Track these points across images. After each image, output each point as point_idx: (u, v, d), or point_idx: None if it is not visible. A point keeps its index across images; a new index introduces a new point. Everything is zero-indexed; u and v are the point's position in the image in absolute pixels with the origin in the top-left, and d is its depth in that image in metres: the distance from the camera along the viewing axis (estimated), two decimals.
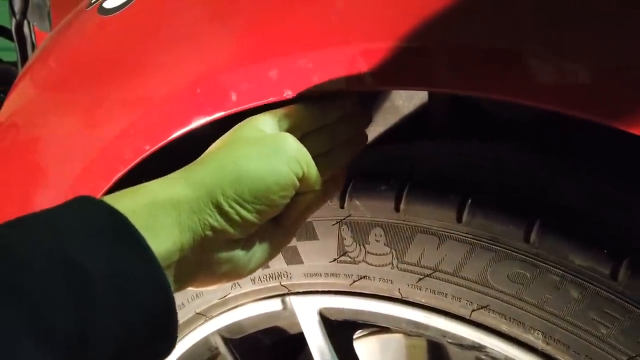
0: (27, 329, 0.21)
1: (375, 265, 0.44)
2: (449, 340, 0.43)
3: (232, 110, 0.39)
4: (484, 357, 0.42)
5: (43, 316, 0.22)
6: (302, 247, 0.47)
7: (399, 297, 0.44)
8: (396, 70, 0.32)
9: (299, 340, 0.53)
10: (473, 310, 0.40)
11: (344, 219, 0.44)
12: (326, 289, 0.48)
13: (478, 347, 0.42)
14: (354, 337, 0.57)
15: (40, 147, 0.55)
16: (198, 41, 0.41)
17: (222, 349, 0.58)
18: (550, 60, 0.28)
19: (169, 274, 0.28)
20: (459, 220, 0.39)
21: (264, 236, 0.34)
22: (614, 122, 0.27)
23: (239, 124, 0.35)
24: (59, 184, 0.52)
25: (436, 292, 0.41)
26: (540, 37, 0.28)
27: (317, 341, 0.49)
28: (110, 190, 0.47)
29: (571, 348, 0.36)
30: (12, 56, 1.17)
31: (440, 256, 0.40)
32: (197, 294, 0.55)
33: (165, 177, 0.31)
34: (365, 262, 0.44)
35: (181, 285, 0.30)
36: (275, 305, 0.51)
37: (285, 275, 0.49)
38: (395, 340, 0.63)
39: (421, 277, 0.42)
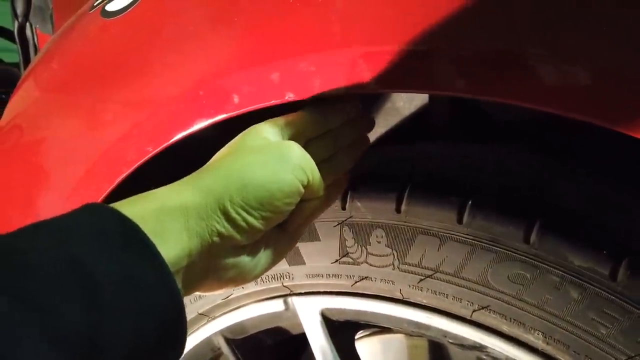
0: (40, 333, 0.21)
1: (377, 266, 0.44)
2: (450, 341, 0.44)
3: (234, 113, 0.39)
4: (484, 357, 0.43)
5: (54, 321, 0.22)
6: (304, 248, 0.47)
7: (401, 297, 0.44)
8: (398, 73, 0.33)
9: (301, 340, 0.54)
10: (474, 311, 0.40)
11: (345, 220, 0.44)
12: (328, 290, 0.48)
13: (479, 347, 0.42)
14: (356, 337, 0.58)
15: (44, 149, 0.55)
16: (201, 44, 0.41)
17: (225, 349, 0.58)
18: (550, 62, 0.28)
19: (178, 279, 0.29)
20: (460, 221, 0.39)
21: (269, 242, 0.35)
22: (613, 125, 0.27)
23: (244, 132, 0.36)
24: (62, 186, 0.52)
25: (437, 293, 0.42)
26: (541, 40, 0.28)
27: (319, 341, 0.50)
28: (113, 192, 0.47)
29: (571, 348, 0.36)
30: (14, 57, 1.17)
31: (441, 257, 0.40)
32: (199, 295, 0.56)
33: (173, 184, 0.32)
34: (367, 263, 0.44)
35: (189, 291, 0.31)
36: (277, 305, 0.52)
37: (288, 276, 0.49)
38: (396, 340, 0.63)
39: (422, 277, 0.42)
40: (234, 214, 0.30)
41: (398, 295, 0.44)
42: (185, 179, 0.32)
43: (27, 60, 0.95)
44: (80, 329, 0.22)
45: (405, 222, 0.41)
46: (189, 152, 0.42)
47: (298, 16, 0.37)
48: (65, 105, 0.54)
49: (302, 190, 0.33)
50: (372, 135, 0.61)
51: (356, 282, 0.46)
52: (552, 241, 0.36)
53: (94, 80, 0.51)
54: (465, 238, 0.39)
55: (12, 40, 1.08)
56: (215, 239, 0.30)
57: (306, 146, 0.35)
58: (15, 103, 0.62)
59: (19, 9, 0.87)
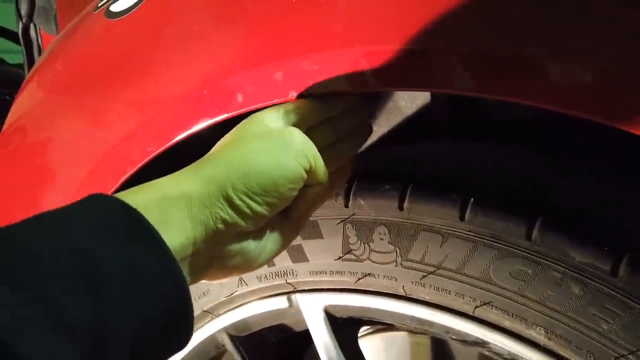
0: (44, 323, 0.21)
1: (380, 263, 0.44)
2: (453, 337, 0.44)
3: (238, 112, 0.40)
4: (487, 353, 0.43)
5: (58, 311, 0.22)
6: (308, 245, 0.48)
7: (403, 294, 0.45)
8: (400, 72, 0.33)
9: (305, 337, 0.54)
10: (476, 307, 0.41)
11: (348, 217, 0.45)
12: (331, 287, 0.49)
13: (481, 343, 0.42)
14: (359, 335, 0.58)
15: (48, 150, 0.56)
16: (205, 44, 0.42)
17: (229, 346, 0.58)
18: (552, 61, 0.28)
19: (183, 268, 0.29)
20: (462, 218, 0.39)
21: (274, 229, 0.35)
22: (615, 123, 0.27)
23: (245, 120, 0.36)
24: (66, 186, 0.52)
25: (440, 289, 0.42)
26: (542, 38, 0.28)
27: (322, 338, 0.50)
28: (118, 191, 0.48)
29: (573, 343, 0.37)
30: (18, 59, 1.18)
31: (443, 254, 0.41)
32: (203, 292, 0.56)
33: (175, 173, 0.32)
34: (370, 260, 0.45)
35: (194, 279, 0.31)
36: (281, 302, 0.52)
37: (291, 273, 0.50)
38: (399, 338, 0.63)
39: (425, 274, 0.42)
40: (237, 201, 0.30)
41: (401, 292, 0.45)
42: (187, 168, 0.32)
43: (31, 61, 0.95)
44: (85, 318, 0.23)
45: (408, 219, 0.42)
46: (192, 152, 0.43)
47: (301, 16, 0.37)
48: (69, 105, 0.54)
49: (305, 175, 0.33)
50: (375, 134, 0.61)
51: (359, 279, 0.46)
52: (553, 237, 0.36)
53: (98, 81, 0.51)
54: (468, 235, 0.39)
55: (16, 41, 1.09)
56: (220, 226, 0.30)
57: (308, 133, 0.35)
58: (20, 104, 0.63)
59: (23, 10, 0.87)
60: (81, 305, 0.23)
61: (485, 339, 0.41)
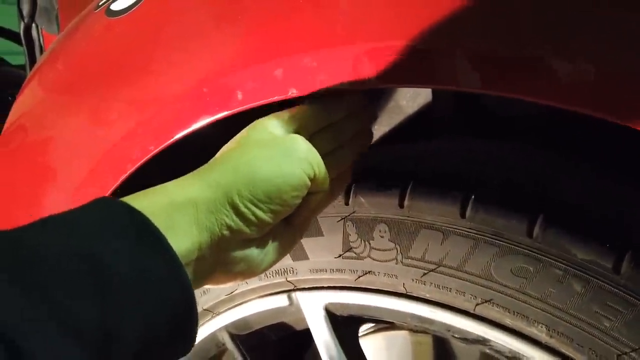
0: (51, 326, 0.21)
1: (380, 261, 0.44)
2: (454, 335, 0.44)
3: (237, 109, 0.40)
4: (488, 350, 0.43)
5: (65, 313, 0.22)
6: (308, 243, 0.47)
7: (404, 292, 0.44)
8: (400, 69, 0.33)
9: (305, 336, 0.54)
10: (477, 304, 0.40)
11: (348, 215, 0.45)
12: (332, 285, 0.49)
13: (482, 341, 0.42)
14: (361, 334, 0.58)
15: (48, 149, 0.56)
16: (205, 41, 0.42)
17: (229, 345, 0.58)
18: (556, 58, 0.28)
19: (188, 273, 0.29)
20: (463, 215, 0.39)
21: (276, 236, 0.35)
22: (622, 120, 0.27)
23: (249, 126, 0.36)
24: (67, 185, 0.52)
25: (440, 287, 0.42)
26: (545, 35, 0.28)
27: (323, 336, 0.50)
28: (118, 190, 0.48)
29: (575, 341, 0.36)
30: (20, 60, 1.18)
31: (444, 251, 0.41)
32: (204, 291, 0.56)
33: (180, 178, 0.32)
34: (370, 257, 0.45)
35: (198, 284, 0.31)
36: (281, 301, 0.52)
37: (291, 271, 0.50)
38: (400, 337, 0.63)
39: (425, 272, 0.42)
40: (242, 208, 0.31)
41: (401, 290, 0.44)
42: (192, 173, 0.32)
43: (33, 61, 0.95)
44: (92, 321, 0.23)
45: (408, 216, 0.42)
46: (191, 150, 0.43)
47: (301, 12, 0.37)
48: (70, 104, 0.55)
49: (309, 183, 0.33)
50: (376, 134, 0.61)
51: (360, 277, 0.46)
52: (555, 234, 0.36)
53: (98, 79, 0.51)
54: (468, 232, 0.39)
55: (18, 42, 1.09)
56: (225, 232, 0.30)
57: (310, 140, 0.35)
58: (21, 103, 0.63)
59: (25, 10, 0.88)
60: (88, 308, 0.23)
61: (487, 336, 0.41)
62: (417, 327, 0.46)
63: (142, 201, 0.28)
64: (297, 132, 0.36)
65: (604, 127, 0.29)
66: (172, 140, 0.43)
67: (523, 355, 0.40)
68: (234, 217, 0.31)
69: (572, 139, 0.47)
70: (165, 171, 0.37)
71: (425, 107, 0.60)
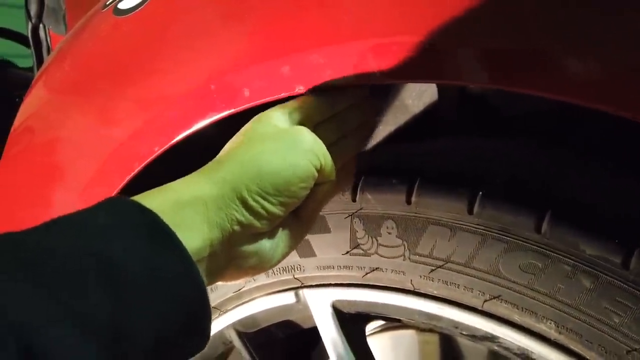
0: (66, 324, 0.22)
1: (388, 258, 0.44)
2: (462, 332, 0.44)
3: (245, 106, 0.40)
4: (496, 348, 0.43)
5: (79, 311, 0.22)
6: (315, 240, 0.48)
7: (411, 288, 0.44)
8: (407, 64, 0.33)
9: (312, 334, 0.54)
10: (485, 301, 0.40)
11: (355, 212, 0.45)
12: (339, 282, 0.49)
13: (491, 338, 0.42)
14: (367, 333, 0.58)
15: (56, 148, 0.56)
16: (211, 39, 0.42)
17: (237, 342, 0.58)
18: (567, 53, 0.28)
19: (200, 270, 0.29)
20: (470, 211, 0.39)
21: (285, 228, 0.35)
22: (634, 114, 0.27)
23: (253, 119, 0.36)
24: (74, 184, 0.53)
25: (448, 283, 0.42)
26: (554, 31, 0.28)
27: (330, 334, 0.50)
28: (125, 189, 0.48)
29: (584, 337, 0.36)
30: (28, 62, 1.19)
31: (452, 247, 0.41)
32: (211, 288, 0.56)
33: (188, 176, 0.32)
34: (378, 254, 0.45)
35: (211, 281, 0.31)
36: (288, 298, 0.52)
37: (299, 268, 0.50)
38: (408, 336, 0.63)
39: (433, 268, 0.42)
40: (252, 202, 0.31)
41: (409, 286, 0.44)
42: (199, 170, 0.33)
43: (40, 62, 0.96)
44: (105, 320, 0.23)
45: (415, 213, 0.42)
46: (196, 149, 0.43)
47: (307, 9, 0.37)
48: (77, 104, 0.55)
49: (316, 174, 0.34)
50: (382, 133, 0.61)
51: (367, 274, 0.46)
52: (563, 230, 0.36)
53: (105, 79, 0.52)
54: (476, 228, 0.39)
55: (26, 44, 1.10)
56: (236, 227, 0.31)
57: (314, 131, 0.35)
58: (28, 103, 0.63)
59: (32, 11, 0.88)
60: (101, 306, 0.23)
61: (495, 333, 0.41)
62: (425, 324, 0.46)
63: (151, 200, 0.28)
64: (301, 123, 0.36)
65: (612, 122, 0.29)
66: (179, 137, 0.43)
67: (532, 352, 0.39)
68: (244, 211, 0.31)
69: (580, 135, 0.46)
70: (169, 170, 0.37)
71: (431, 106, 0.60)
